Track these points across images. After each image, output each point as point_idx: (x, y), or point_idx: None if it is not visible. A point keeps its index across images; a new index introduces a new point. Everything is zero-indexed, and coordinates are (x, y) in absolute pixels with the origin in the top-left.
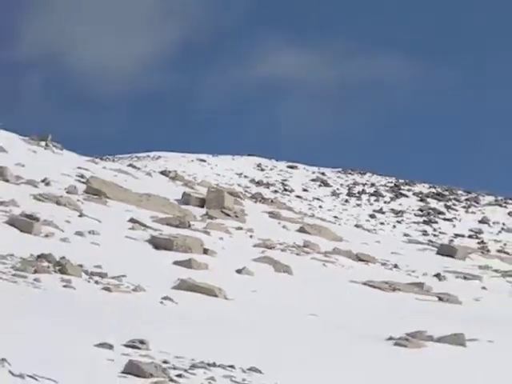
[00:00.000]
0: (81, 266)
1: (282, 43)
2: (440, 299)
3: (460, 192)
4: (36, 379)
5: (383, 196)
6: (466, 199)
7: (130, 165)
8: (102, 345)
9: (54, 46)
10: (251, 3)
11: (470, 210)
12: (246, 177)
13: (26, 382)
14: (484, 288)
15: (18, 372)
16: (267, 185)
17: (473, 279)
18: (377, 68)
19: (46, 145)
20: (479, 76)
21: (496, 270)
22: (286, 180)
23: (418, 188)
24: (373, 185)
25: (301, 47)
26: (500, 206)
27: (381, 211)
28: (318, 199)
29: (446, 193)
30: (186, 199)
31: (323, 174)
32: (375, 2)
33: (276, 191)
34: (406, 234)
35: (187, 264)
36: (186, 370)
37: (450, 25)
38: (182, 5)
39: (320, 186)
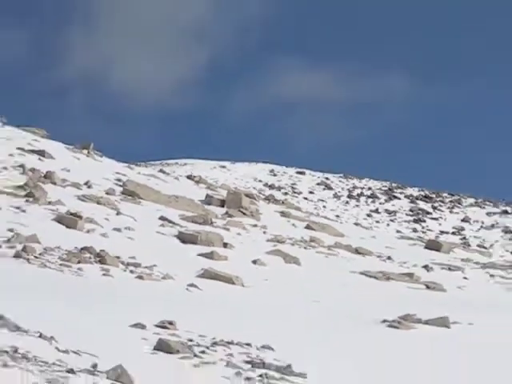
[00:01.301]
0: (118, 257)
1: (297, 64)
2: (427, 287)
3: (445, 195)
4: (79, 354)
5: (379, 198)
6: (451, 201)
7: (161, 170)
8: (136, 325)
9: (96, 68)
10: (270, 29)
11: (453, 210)
12: (260, 181)
13: (70, 356)
14: (466, 278)
15: (64, 348)
16: (279, 188)
17: (456, 270)
18: (378, 87)
19: (88, 153)
20: (462, 93)
21: (476, 263)
22: (294, 184)
23: (409, 191)
24: (370, 188)
25: (314, 68)
26: (480, 207)
27: (376, 211)
28: (322, 200)
29: (433, 195)
30: (208, 200)
31: (327, 178)
32: (386, 25)
33: (286, 193)
34: (398, 231)
35: (210, 256)
36: (208, 347)
37: (460, 48)
38: (211, 30)
39: (324, 189)
